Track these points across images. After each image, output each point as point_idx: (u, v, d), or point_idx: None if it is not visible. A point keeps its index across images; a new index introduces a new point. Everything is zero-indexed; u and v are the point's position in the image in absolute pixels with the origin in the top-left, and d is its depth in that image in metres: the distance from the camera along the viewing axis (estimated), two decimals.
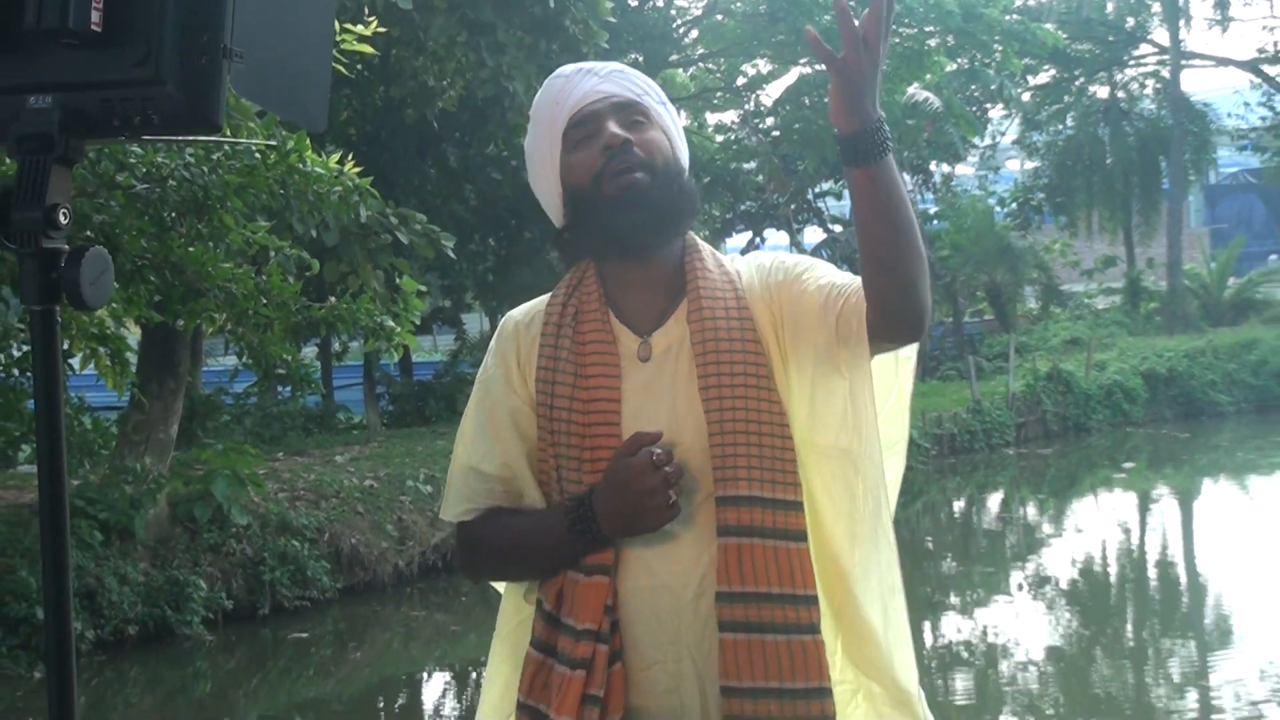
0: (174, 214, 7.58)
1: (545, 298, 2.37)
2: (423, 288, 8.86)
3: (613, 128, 2.22)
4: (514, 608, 2.34)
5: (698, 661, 2.16)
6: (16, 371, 8.87)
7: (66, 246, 1.66)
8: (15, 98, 1.64)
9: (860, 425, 2.19)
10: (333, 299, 8.44)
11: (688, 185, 2.30)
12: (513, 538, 2.25)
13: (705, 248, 2.34)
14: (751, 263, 2.35)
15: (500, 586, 2.43)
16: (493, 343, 2.37)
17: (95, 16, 1.58)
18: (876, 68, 2.00)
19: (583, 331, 2.26)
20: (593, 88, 2.27)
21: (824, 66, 1.98)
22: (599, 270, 2.31)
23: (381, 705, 9.81)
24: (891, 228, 2.05)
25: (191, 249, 7.68)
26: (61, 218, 1.64)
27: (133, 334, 9.81)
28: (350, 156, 8.14)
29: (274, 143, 7.15)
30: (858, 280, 2.15)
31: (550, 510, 2.22)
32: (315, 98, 1.85)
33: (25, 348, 8.68)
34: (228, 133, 6.74)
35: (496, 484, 2.27)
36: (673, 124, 2.34)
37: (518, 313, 2.38)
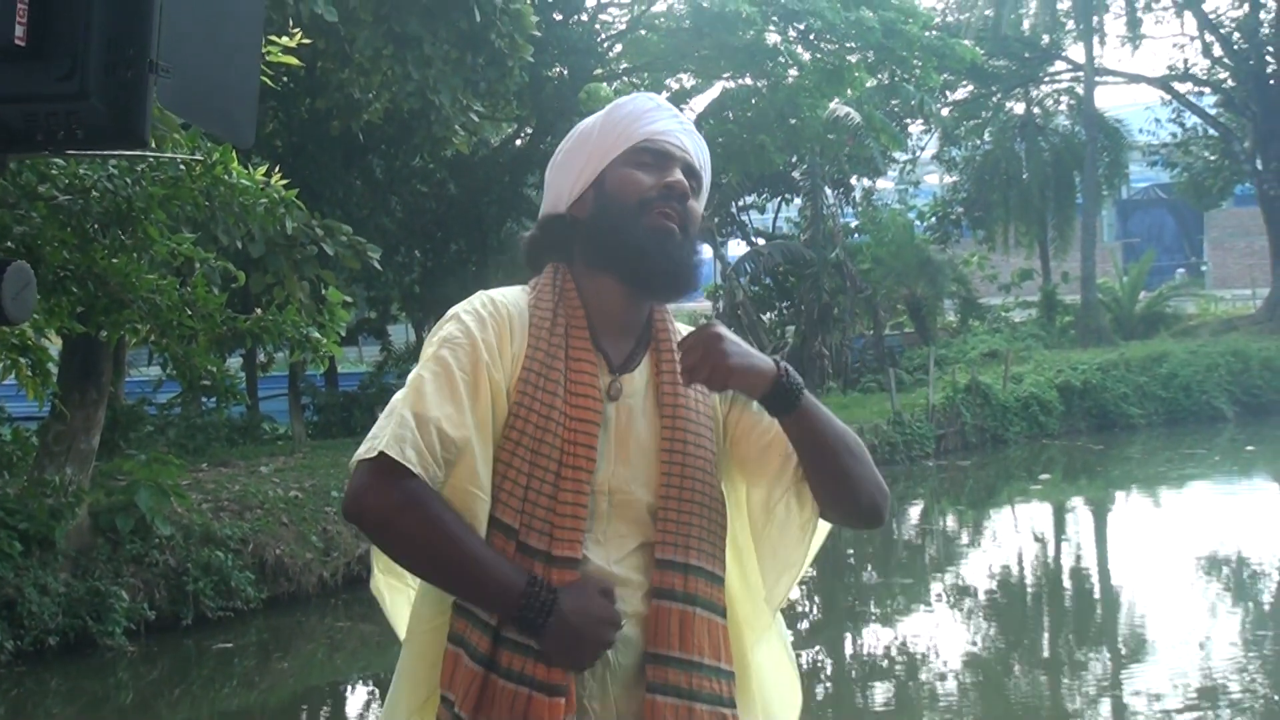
0: (97, 225, 7.57)
1: (516, 292, 2.33)
2: (348, 299, 8.88)
3: (680, 176, 2.30)
4: (431, 612, 2.24)
5: (618, 704, 2.19)
6: None
7: None
8: None
9: (800, 533, 2.33)
10: (258, 310, 8.45)
11: (700, 257, 2.36)
12: (457, 550, 2.11)
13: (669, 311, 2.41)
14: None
15: (407, 583, 2.36)
16: (481, 311, 2.26)
17: (19, 30, 1.57)
18: (721, 371, 2.17)
19: (574, 348, 2.25)
20: (676, 132, 2.35)
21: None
22: (581, 292, 2.31)
23: (305, 716, 9.79)
24: (831, 456, 2.26)
25: (115, 260, 7.67)
26: None
27: (54, 344, 9.75)
28: (276, 168, 8.16)
29: (199, 157, 7.16)
30: None
31: (511, 567, 2.12)
32: (243, 113, 1.84)
33: None
34: (153, 145, 6.78)
35: (452, 451, 2.14)
36: (705, 198, 2.44)
37: (506, 297, 2.31)
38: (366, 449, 2.14)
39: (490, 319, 2.25)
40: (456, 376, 2.17)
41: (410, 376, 2.22)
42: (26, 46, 1.59)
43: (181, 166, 7.33)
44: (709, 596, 2.22)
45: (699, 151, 2.38)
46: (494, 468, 2.20)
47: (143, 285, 7.72)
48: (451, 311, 2.28)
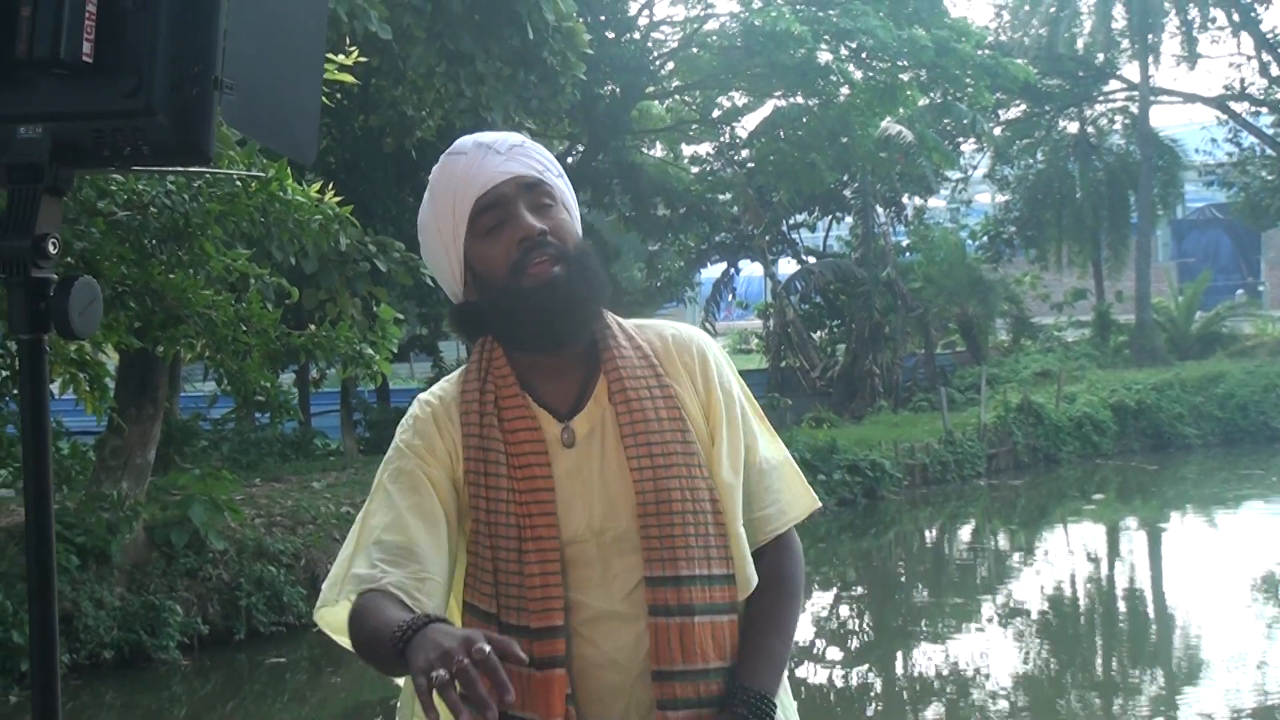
0: (155, 241, 7.64)
1: (453, 380, 2.32)
2: (400, 315, 8.92)
3: (527, 217, 2.18)
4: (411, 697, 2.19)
5: None
6: None
7: (55, 276, 1.66)
8: (6, 128, 1.64)
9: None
10: (311, 326, 8.50)
11: (599, 267, 2.26)
12: (370, 630, 2.03)
13: (614, 322, 2.31)
14: (666, 335, 2.35)
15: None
16: (407, 423, 2.30)
17: (87, 47, 1.59)
18: None
19: (507, 419, 2.21)
20: (497, 168, 2.20)
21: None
22: (508, 353, 2.27)
23: None
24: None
25: (172, 276, 7.73)
26: (50, 247, 1.64)
27: (111, 359, 9.83)
28: (329, 185, 8.21)
29: (261, 174, 7.21)
30: (781, 521, 2.33)
31: (400, 618, 1.99)
32: (305, 130, 1.84)
33: (4, 373, 8.71)
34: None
35: (398, 554, 2.12)
36: (569, 195, 2.30)
37: (432, 397, 2.32)
38: (328, 588, 2.20)
39: (414, 423, 2.28)
40: (393, 492, 2.20)
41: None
42: (94, 63, 1.60)
43: (237, 183, 7.38)
44: (708, 599, 2.17)
45: (529, 160, 2.24)
46: (466, 560, 2.23)
47: (198, 301, 7.77)
48: None
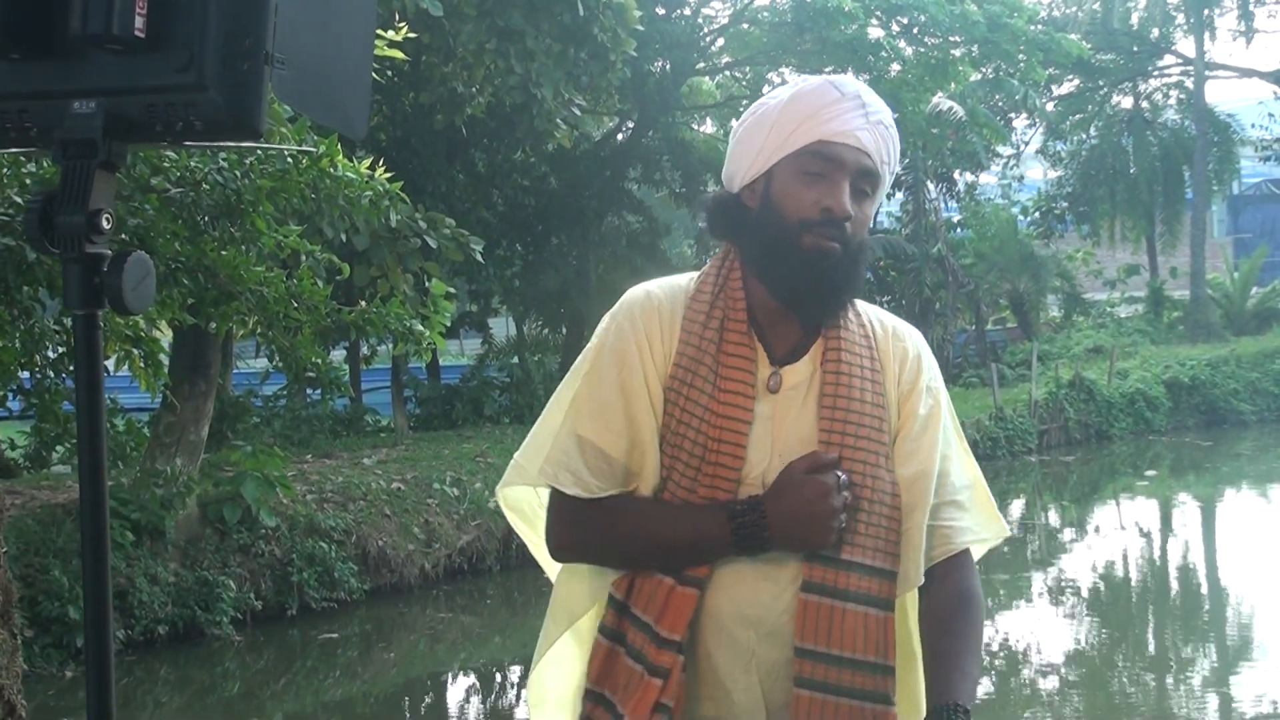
0: (207, 218, 7.64)
1: (680, 281, 2.31)
2: (451, 290, 8.93)
3: (845, 195, 2.17)
4: (585, 597, 2.28)
5: (767, 696, 2.17)
6: (52, 373, 8.96)
7: (109, 251, 1.66)
8: (60, 103, 1.63)
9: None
10: (362, 303, 8.51)
11: (864, 268, 2.26)
12: (654, 531, 2.16)
13: None
14: (888, 324, 2.33)
15: (554, 571, 2.36)
16: (632, 311, 2.25)
17: (139, 22, 1.58)
18: None
19: (728, 342, 2.20)
20: (855, 129, 2.18)
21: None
22: (746, 283, 2.25)
23: (407, 706, 9.89)
24: None
25: (224, 252, 7.74)
26: (104, 222, 1.64)
27: (165, 336, 9.90)
28: (380, 161, 8.22)
29: (312, 149, 7.21)
30: (974, 535, 2.27)
31: (704, 510, 2.14)
32: (356, 105, 1.83)
33: (61, 350, 8.77)
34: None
35: (619, 468, 2.19)
36: (885, 187, 2.30)
37: (658, 291, 2.28)
38: (528, 462, 2.23)
39: (641, 313, 2.24)
40: (611, 388, 2.20)
41: (571, 390, 2.24)
42: (146, 38, 1.60)
43: (289, 159, 7.38)
44: (865, 590, 2.14)
45: (881, 146, 2.22)
46: None
47: (250, 277, 7.77)
48: (608, 314, 2.29)
